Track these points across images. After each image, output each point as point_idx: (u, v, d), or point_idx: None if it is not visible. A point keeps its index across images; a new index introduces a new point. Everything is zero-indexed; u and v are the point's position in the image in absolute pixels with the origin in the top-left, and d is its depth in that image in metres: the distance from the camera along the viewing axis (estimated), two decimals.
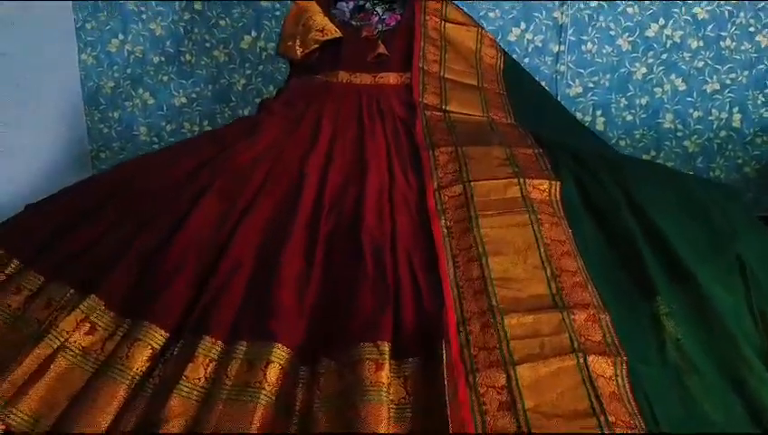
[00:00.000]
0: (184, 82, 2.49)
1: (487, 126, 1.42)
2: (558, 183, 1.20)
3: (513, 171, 1.22)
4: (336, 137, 1.35)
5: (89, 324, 1.00)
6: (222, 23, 2.42)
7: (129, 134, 2.54)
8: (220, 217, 1.15)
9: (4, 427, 0.88)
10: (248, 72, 2.48)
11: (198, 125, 2.55)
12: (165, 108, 2.53)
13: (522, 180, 1.19)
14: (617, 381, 0.90)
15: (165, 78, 2.49)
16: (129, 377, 0.94)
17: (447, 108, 1.47)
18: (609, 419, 0.84)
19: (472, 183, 1.20)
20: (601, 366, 0.90)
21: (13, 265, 1.14)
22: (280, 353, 0.94)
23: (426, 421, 0.87)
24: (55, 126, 2.40)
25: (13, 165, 2.02)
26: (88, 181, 1.37)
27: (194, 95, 2.52)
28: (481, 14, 2.23)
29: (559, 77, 2.37)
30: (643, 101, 2.41)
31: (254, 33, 2.42)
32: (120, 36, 2.42)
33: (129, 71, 2.47)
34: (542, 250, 1.07)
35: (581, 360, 0.90)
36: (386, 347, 0.93)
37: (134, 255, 1.09)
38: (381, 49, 1.52)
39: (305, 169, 1.24)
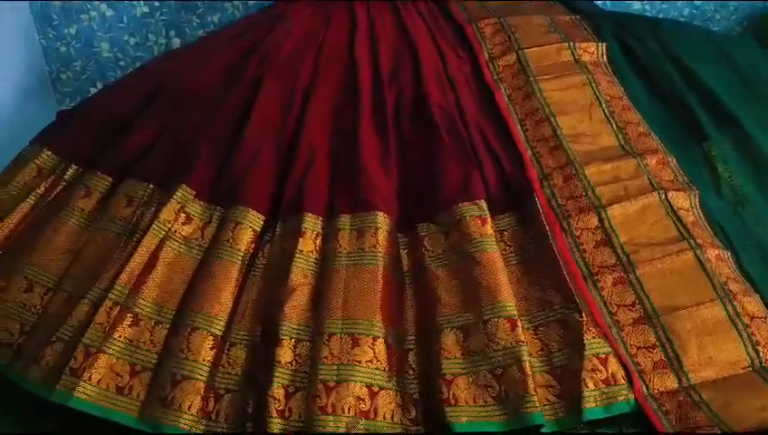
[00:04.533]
0: None
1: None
2: (604, 44, 1.26)
3: (561, 37, 1.27)
4: (373, 19, 1.33)
5: (184, 214, 0.99)
6: None
7: (89, 51, 2.36)
8: (283, 103, 1.15)
9: (132, 316, 0.89)
10: None
11: (165, 36, 2.39)
12: (125, 19, 2.34)
13: (571, 44, 1.25)
14: (694, 211, 1.00)
15: None
16: (240, 257, 0.95)
17: None
18: (698, 241, 0.95)
19: (525, 50, 1.23)
20: (679, 200, 1.00)
21: (71, 170, 1.10)
22: (383, 220, 0.98)
23: (531, 265, 0.94)
24: (7, 51, 2.20)
25: None
26: (125, 82, 1.31)
27: (156, 3, 2.34)
28: None
29: None
30: None
31: None
32: None
33: None
34: (603, 106, 1.14)
35: (663, 196, 1.00)
36: (483, 204, 0.98)
37: (210, 147, 1.07)
38: None
39: (355, 51, 1.23)
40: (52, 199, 1.07)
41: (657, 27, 1.32)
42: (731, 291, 0.89)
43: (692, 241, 0.94)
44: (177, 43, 2.37)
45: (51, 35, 2.33)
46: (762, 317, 0.87)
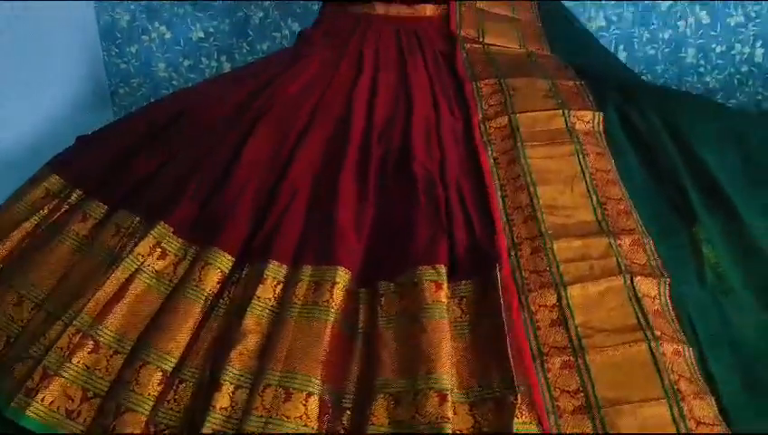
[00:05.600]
0: (200, 14, 2.45)
1: (526, 58, 1.44)
2: (601, 114, 1.23)
3: (557, 103, 1.25)
4: (379, 69, 1.36)
5: (160, 250, 1.05)
6: None
7: (147, 70, 2.52)
8: (275, 146, 1.19)
9: (93, 343, 0.95)
10: (266, 4, 2.44)
11: (216, 60, 2.53)
12: (182, 42, 2.50)
13: (566, 112, 1.23)
14: (660, 300, 0.96)
15: (181, 11, 2.45)
16: (203, 297, 0.99)
17: (485, 40, 1.48)
18: (656, 333, 0.91)
19: (517, 114, 1.23)
20: (646, 286, 0.97)
21: (75, 195, 1.18)
22: (343, 275, 1.00)
23: (482, 338, 0.93)
24: (72, 62, 2.38)
25: (32, 104, 2.02)
26: (137, 114, 1.40)
27: (211, 29, 2.48)
28: None
29: (582, 9, 2.33)
30: (666, 35, 2.37)
31: None
32: None
33: (144, 3, 2.43)
34: (588, 179, 1.11)
35: (628, 281, 0.97)
36: (443, 270, 0.98)
37: (196, 185, 1.13)
38: None
39: (352, 102, 1.27)
40: (53, 221, 1.15)
41: (664, 100, 1.27)
42: (680, 391, 0.85)
43: (649, 332, 0.91)
44: (227, 67, 2.52)
45: (113, 52, 2.52)
46: (710, 423, 0.82)
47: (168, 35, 2.48)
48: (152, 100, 2.51)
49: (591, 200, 1.08)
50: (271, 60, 1.51)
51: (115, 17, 2.45)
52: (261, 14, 2.45)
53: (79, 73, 2.40)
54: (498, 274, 0.97)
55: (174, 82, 2.53)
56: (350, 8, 1.52)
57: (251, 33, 2.48)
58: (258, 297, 0.98)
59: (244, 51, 2.51)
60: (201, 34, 2.47)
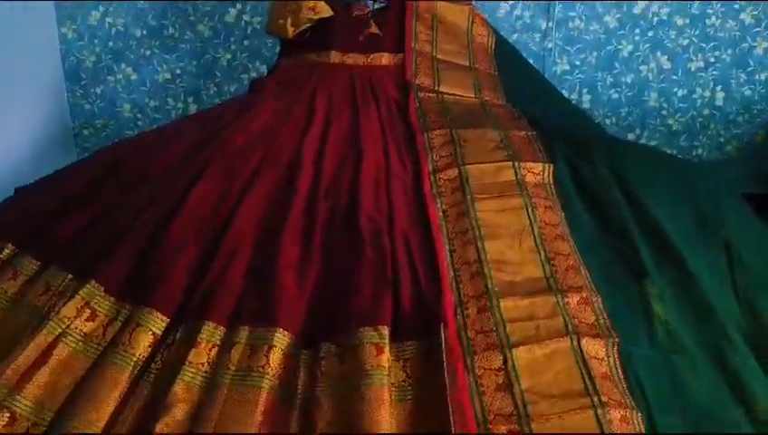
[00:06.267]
0: (167, 56, 2.44)
1: (480, 108, 1.43)
2: (551, 166, 1.22)
3: (507, 155, 1.24)
4: (330, 119, 1.35)
5: (89, 311, 0.99)
6: None
7: (111, 110, 2.50)
8: (218, 199, 1.15)
9: (9, 415, 0.89)
10: (233, 47, 2.44)
11: (183, 102, 2.51)
12: (148, 83, 2.48)
13: (516, 164, 1.21)
14: (608, 362, 0.93)
15: (148, 52, 2.44)
16: (132, 363, 0.94)
17: (440, 89, 1.47)
18: (603, 398, 0.88)
19: (467, 166, 1.21)
20: (594, 348, 0.94)
21: (7, 250, 1.13)
22: (281, 338, 0.96)
23: (426, 403, 0.89)
24: (36, 102, 2.35)
25: None
26: (80, 163, 1.36)
27: (178, 71, 2.47)
28: None
29: (546, 54, 2.37)
30: (628, 79, 2.42)
31: (238, 7, 2.37)
32: (101, 9, 2.36)
33: (110, 44, 2.41)
34: (536, 233, 1.09)
35: (575, 342, 0.94)
36: (385, 331, 0.94)
37: (132, 239, 1.08)
38: (373, 29, 1.51)
39: (301, 153, 1.24)
40: None
41: (614, 151, 1.27)
42: None
43: (596, 398, 0.87)
44: (193, 108, 2.50)
45: (78, 93, 2.49)
46: None
47: (133, 76, 2.46)
48: (116, 140, 2.48)
49: (540, 256, 1.06)
50: (223, 108, 1.48)
51: (80, 58, 2.43)
52: (228, 57, 2.45)
53: (42, 114, 2.36)
54: (443, 335, 0.93)
55: (139, 123, 2.51)
56: (306, 57, 1.52)
57: (218, 74, 2.47)
58: (190, 362, 0.93)
59: (212, 92, 2.50)
60: (168, 75, 2.46)
